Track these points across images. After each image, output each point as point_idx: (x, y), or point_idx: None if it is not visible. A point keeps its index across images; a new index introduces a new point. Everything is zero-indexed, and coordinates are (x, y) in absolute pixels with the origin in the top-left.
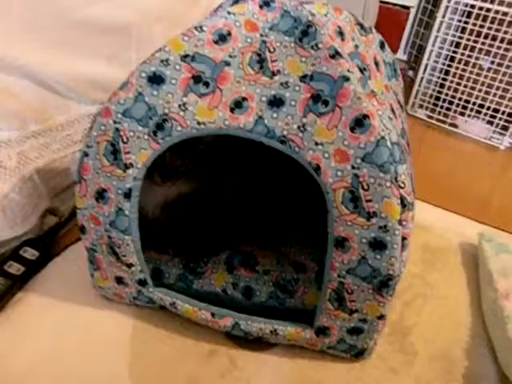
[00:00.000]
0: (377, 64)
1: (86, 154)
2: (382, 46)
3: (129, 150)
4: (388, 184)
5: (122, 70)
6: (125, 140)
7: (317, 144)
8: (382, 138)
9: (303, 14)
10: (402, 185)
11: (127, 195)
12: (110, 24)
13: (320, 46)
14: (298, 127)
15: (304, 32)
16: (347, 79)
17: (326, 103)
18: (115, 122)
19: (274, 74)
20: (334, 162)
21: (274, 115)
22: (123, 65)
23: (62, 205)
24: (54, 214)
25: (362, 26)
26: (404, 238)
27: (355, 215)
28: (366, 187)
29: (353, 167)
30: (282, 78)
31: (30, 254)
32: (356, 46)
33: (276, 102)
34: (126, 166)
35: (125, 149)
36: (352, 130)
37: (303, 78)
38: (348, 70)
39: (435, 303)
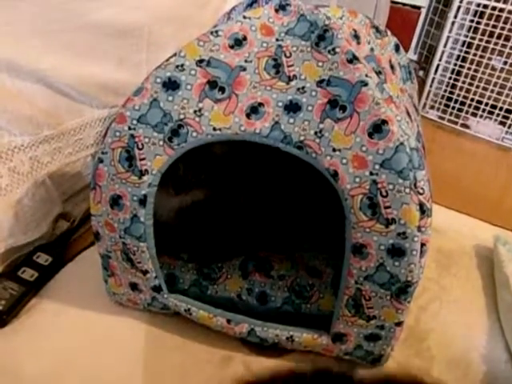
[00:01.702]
0: (392, 67)
1: (100, 161)
2: (397, 49)
3: (144, 157)
4: (407, 190)
5: (133, 73)
6: (140, 146)
7: (334, 150)
8: (401, 143)
9: (319, 18)
10: (421, 191)
11: (142, 202)
12: (121, 27)
13: (337, 50)
14: (315, 133)
15: (320, 36)
16: (365, 84)
17: (343, 108)
18: (130, 129)
19: (290, 78)
20: (352, 168)
21: (291, 120)
22: (134, 67)
23: (74, 209)
24: (65, 219)
25: (377, 29)
26: (423, 245)
27: (373, 222)
28: (384, 194)
29: (371, 173)
30: (299, 83)
31: (43, 259)
32: (372, 49)
33: (292, 108)
34: (142, 173)
35: (140, 155)
36: (370, 135)
37: (320, 83)
38: (366, 75)
39: (451, 307)
